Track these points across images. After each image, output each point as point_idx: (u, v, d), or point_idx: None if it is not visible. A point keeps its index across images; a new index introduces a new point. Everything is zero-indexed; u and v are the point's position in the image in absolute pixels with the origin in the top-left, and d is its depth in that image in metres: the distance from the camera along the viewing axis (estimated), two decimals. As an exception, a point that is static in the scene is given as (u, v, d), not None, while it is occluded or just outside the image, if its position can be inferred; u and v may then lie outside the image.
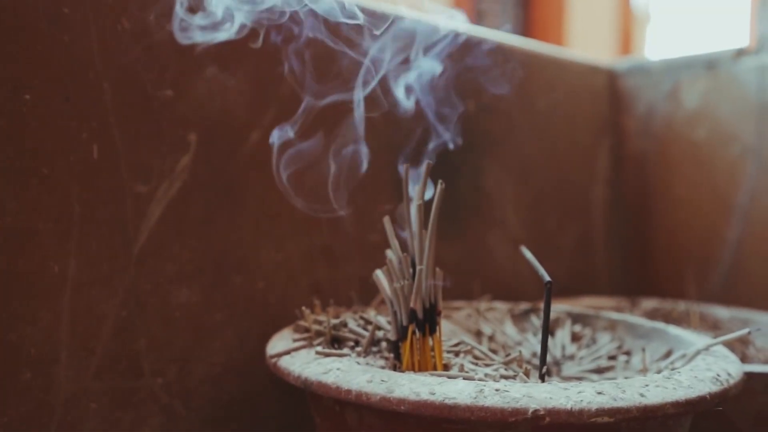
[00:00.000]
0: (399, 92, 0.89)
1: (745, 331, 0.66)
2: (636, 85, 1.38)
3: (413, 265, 0.66)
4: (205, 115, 0.78)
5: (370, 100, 0.78)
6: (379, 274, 0.67)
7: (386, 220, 0.69)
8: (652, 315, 1.08)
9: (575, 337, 0.86)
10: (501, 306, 0.93)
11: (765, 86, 1.24)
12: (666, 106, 1.35)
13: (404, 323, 0.65)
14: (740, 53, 1.28)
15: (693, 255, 1.33)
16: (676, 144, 1.35)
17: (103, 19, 0.70)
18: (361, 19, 0.82)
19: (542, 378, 0.64)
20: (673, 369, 0.64)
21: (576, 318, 0.90)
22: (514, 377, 0.64)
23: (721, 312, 1.12)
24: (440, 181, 0.65)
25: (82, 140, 0.69)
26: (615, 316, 0.87)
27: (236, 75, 0.81)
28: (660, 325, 0.81)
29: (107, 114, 0.71)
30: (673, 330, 0.78)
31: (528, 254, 0.70)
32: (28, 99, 0.65)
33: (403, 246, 0.67)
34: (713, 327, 1.08)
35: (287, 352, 0.66)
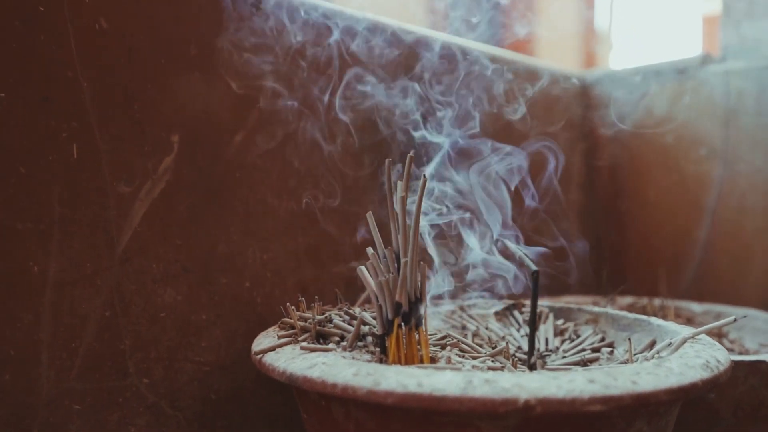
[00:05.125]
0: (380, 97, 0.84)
1: (731, 319, 0.62)
2: (607, 93, 1.34)
3: (397, 260, 0.60)
4: (187, 116, 0.72)
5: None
6: (364, 270, 0.62)
7: (369, 215, 0.64)
8: (628, 311, 1.04)
9: (558, 331, 0.81)
10: (484, 302, 0.88)
11: (730, 91, 1.21)
12: (636, 112, 1.31)
13: (390, 317, 0.59)
14: (706, 60, 1.24)
15: (664, 254, 1.30)
16: (646, 148, 1.32)
17: (81, 18, 0.64)
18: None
19: (531, 367, 0.59)
20: (660, 358, 0.59)
21: (558, 312, 0.85)
22: (501, 368, 0.59)
23: (694, 306, 1.08)
24: (424, 175, 0.60)
25: (61, 140, 0.63)
26: (597, 309, 0.82)
27: (220, 77, 0.75)
28: (642, 316, 0.76)
29: (87, 114, 0.65)
30: (656, 321, 0.73)
31: (512, 246, 0.65)
32: (3, 97, 0.60)
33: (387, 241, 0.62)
34: (687, 321, 1.04)
35: (272, 349, 0.61)
